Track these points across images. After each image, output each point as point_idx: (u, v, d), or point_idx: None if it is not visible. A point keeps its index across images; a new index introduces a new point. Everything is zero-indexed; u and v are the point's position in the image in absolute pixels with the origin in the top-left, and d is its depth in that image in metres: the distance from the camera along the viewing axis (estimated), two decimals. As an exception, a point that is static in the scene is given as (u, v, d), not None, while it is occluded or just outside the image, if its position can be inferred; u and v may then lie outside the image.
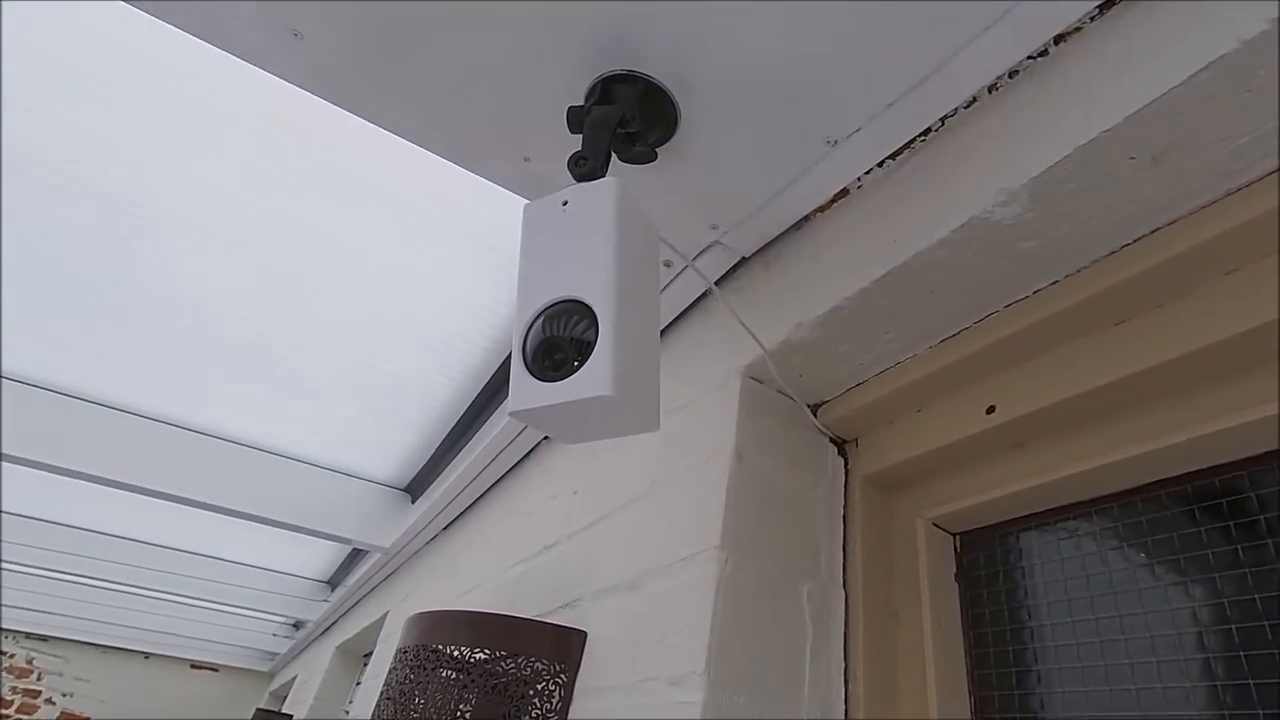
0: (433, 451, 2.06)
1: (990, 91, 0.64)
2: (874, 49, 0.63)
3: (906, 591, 0.75)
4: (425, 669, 0.96)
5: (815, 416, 0.87)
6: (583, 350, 0.52)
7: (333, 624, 3.51)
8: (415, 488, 2.34)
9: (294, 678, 4.17)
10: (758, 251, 0.91)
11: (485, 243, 1.27)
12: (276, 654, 4.86)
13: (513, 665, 0.91)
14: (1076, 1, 0.55)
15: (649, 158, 0.73)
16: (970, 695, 0.68)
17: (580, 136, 0.68)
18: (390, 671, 1.01)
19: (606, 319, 0.52)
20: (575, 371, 0.52)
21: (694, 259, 0.93)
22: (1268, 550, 0.53)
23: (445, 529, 2.10)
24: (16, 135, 1.19)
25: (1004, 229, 0.60)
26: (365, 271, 1.39)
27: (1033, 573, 0.69)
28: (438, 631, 1.00)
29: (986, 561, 0.74)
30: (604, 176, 0.61)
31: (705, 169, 0.78)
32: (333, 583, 3.64)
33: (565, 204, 0.60)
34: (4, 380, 1.97)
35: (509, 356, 1.52)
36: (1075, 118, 0.54)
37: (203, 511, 2.30)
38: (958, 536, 0.78)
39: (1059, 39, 0.58)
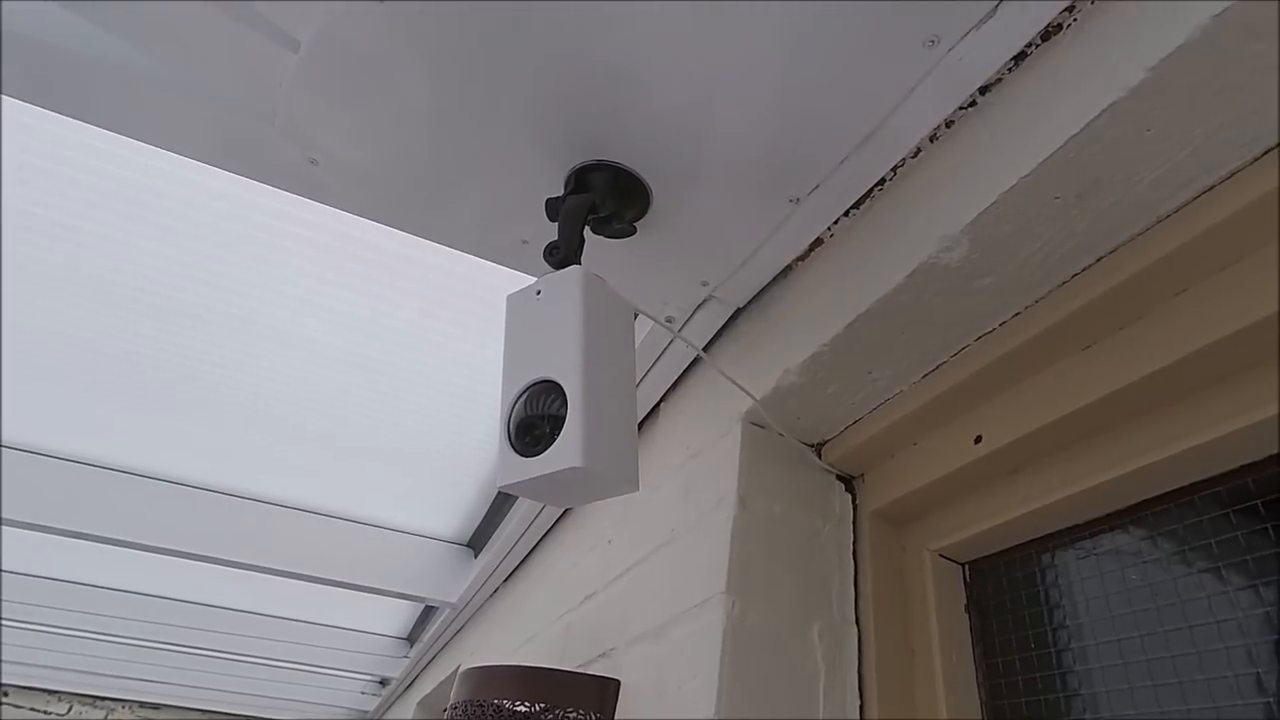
0: (489, 505, 2.15)
1: (932, 141, 0.67)
2: (820, 114, 0.67)
3: (918, 625, 0.76)
4: (476, 722, 1.01)
5: (819, 456, 0.90)
6: (555, 425, 0.58)
7: (414, 680, 3.62)
8: (476, 542, 2.43)
9: (384, 734, 4.28)
10: (752, 300, 0.95)
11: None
12: (367, 712, 5.01)
13: (555, 716, 0.95)
14: (995, 53, 0.59)
15: (628, 233, 0.80)
16: (986, 728, 0.69)
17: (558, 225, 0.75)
18: (444, 727, 1.07)
19: (575, 395, 0.58)
20: (549, 446, 0.58)
21: (688, 318, 0.98)
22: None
23: (505, 581, 2.16)
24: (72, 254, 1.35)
25: (953, 271, 0.63)
26: (418, 351, 1.50)
27: (1044, 598, 0.69)
28: (487, 687, 1.05)
29: (996, 590, 0.74)
30: (577, 263, 0.67)
31: (684, 235, 0.83)
32: (411, 639, 3.76)
33: (539, 293, 0.66)
34: (105, 470, 2.18)
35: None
36: (1000, 164, 0.57)
37: (287, 580, 2.45)
38: (966, 566, 0.78)
39: (984, 89, 0.62)
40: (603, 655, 1.04)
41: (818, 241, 0.83)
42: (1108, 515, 0.66)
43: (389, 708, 4.46)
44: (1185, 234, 0.53)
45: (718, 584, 0.77)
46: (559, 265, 0.67)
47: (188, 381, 1.68)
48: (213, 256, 1.32)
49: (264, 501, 2.39)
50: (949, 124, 0.66)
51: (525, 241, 0.91)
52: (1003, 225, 0.58)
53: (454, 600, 2.44)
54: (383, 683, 4.54)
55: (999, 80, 0.60)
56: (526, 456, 0.58)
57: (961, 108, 0.64)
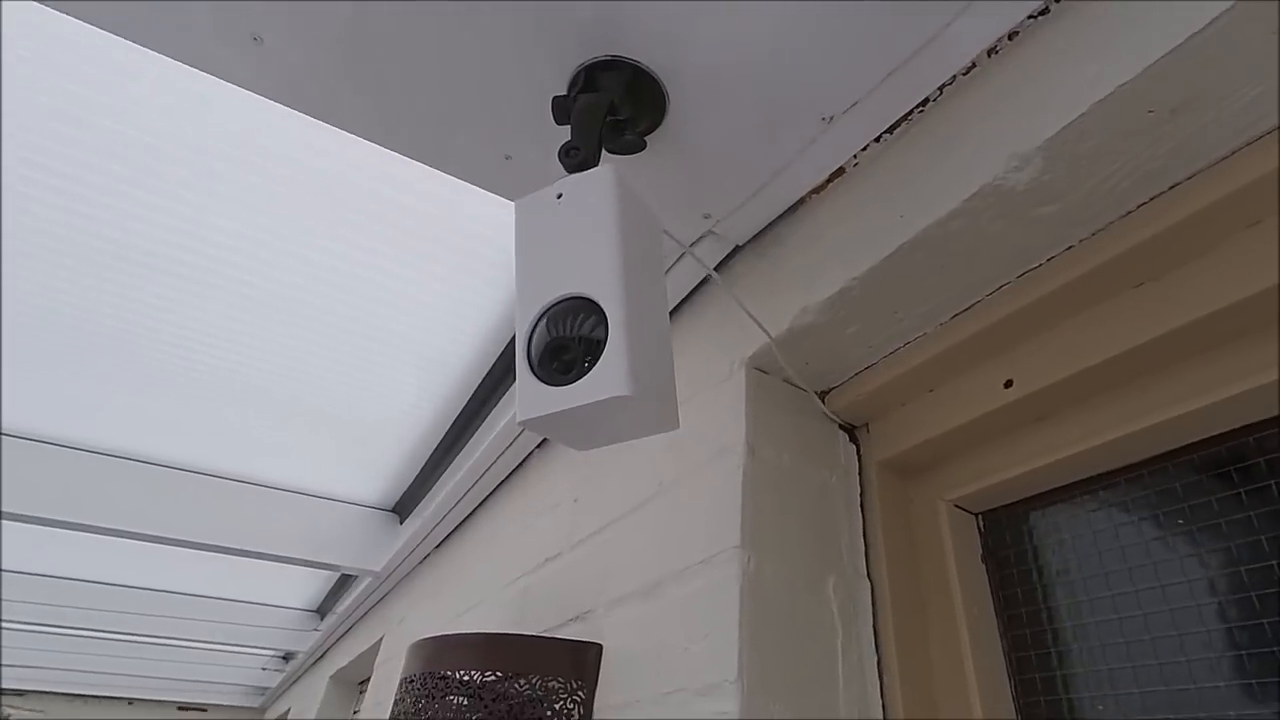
0: (419, 470, 2.01)
1: (990, 55, 0.62)
2: (869, 20, 0.60)
3: (933, 577, 0.73)
4: (433, 697, 0.91)
5: (823, 404, 0.85)
6: (592, 349, 0.49)
7: (325, 653, 3.42)
8: (403, 508, 2.28)
9: (287, 710, 4.05)
10: (751, 239, 0.88)
11: (465, 251, 1.22)
12: (267, 688, 4.74)
13: (525, 685, 0.87)
14: (1077, -45, 0.54)
15: (638, 147, 0.70)
16: (1011, 679, 0.66)
17: (566, 128, 0.65)
18: (396, 703, 0.96)
19: (616, 314, 0.49)
20: (587, 372, 0.48)
21: (679, 256, 0.90)
22: (1313, 508, 0.52)
23: (437, 548, 2.04)
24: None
25: (1018, 194, 0.58)
26: (339, 292, 1.33)
27: (1063, 548, 0.67)
28: (444, 656, 0.96)
29: (1013, 540, 0.72)
30: (596, 166, 0.57)
31: (696, 156, 0.75)
32: (322, 611, 3.55)
33: (560, 197, 0.56)
34: (-40, 427, 1.87)
35: (494, 368, 1.48)
36: (1088, 74, 0.52)
37: (180, 550, 2.21)
38: (980, 516, 0.75)
39: None
40: (576, 619, 0.96)
41: (839, 171, 0.76)
42: (1135, 464, 0.64)
43: (293, 683, 4.22)
44: (1272, 160, 0.50)
45: (729, 538, 0.71)
46: (576, 168, 0.57)
47: (74, 318, 1.44)
48: (117, 192, 1.11)
49: (158, 464, 2.13)
50: (1012, 35, 0.60)
51: (508, 157, 0.80)
52: (1085, 142, 0.53)
53: (377, 569, 2.29)
54: (286, 657, 4.29)
55: (1082, -16, 0.55)
56: (555, 385, 0.49)
57: (1031, 16, 0.58)
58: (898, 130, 0.70)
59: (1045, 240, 0.62)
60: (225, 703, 5.02)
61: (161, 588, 3.31)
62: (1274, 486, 0.56)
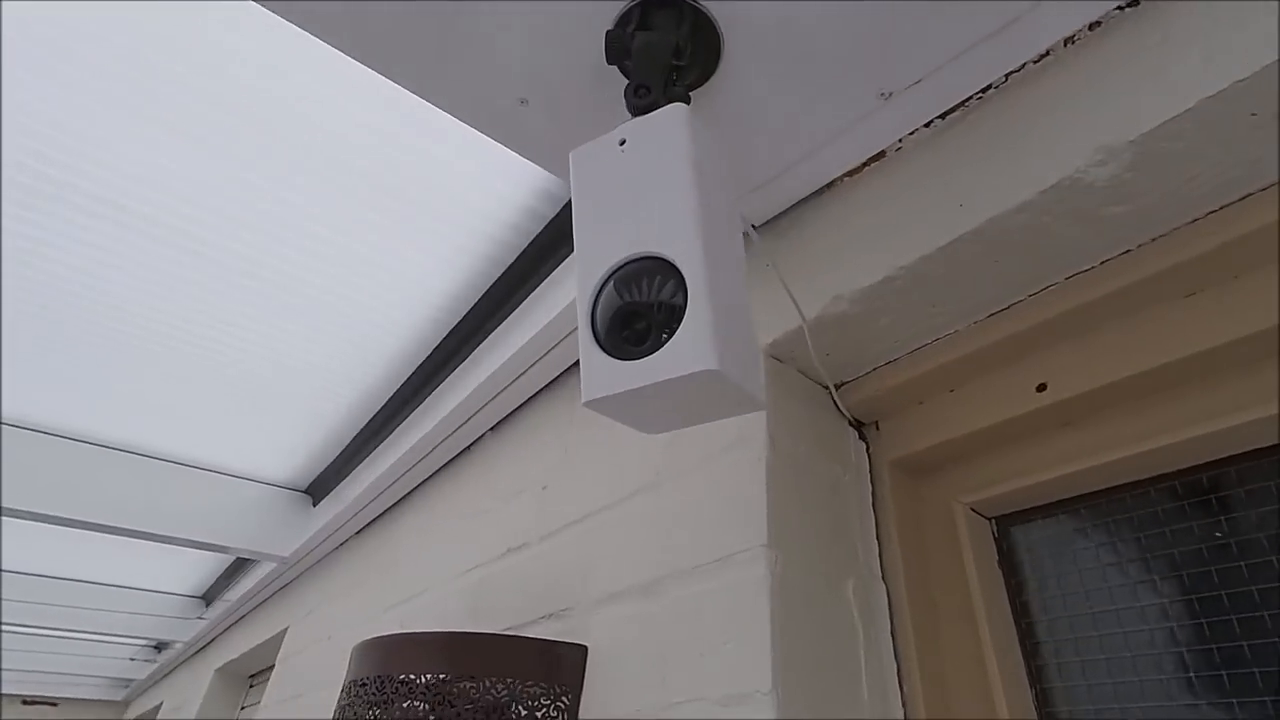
0: (342, 449, 1.85)
1: (1067, 45, 0.59)
2: None
3: (950, 582, 0.71)
4: (388, 703, 0.81)
5: (836, 398, 0.81)
6: (671, 317, 0.42)
7: (209, 644, 3.13)
8: (318, 489, 2.10)
9: (158, 705, 3.70)
10: (769, 221, 0.83)
11: (414, 202, 1.11)
12: (133, 680, 4.31)
13: (499, 690, 0.78)
14: (1177, -53, 0.52)
15: (682, 100, 0.63)
16: (1032, 687, 0.65)
17: (610, 72, 0.58)
18: (341, 709, 0.86)
19: (696, 276, 0.42)
20: (664, 344, 0.42)
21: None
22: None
23: (358, 534, 1.89)
24: None
25: (1095, 192, 0.56)
26: (254, 236, 1.18)
27: (1081, 556, 0.67)
28: (399, 657, 0.86)
29: (1027, 546, 0.71)
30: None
31: (736, 120, 0.69)
32: (208, 598, 3.25)
33: (623, 144, 0.49)
34: None
35: (446, 340, 1.37)
36: (1193, 68, 0.50)
37: (53, 528, 1.94)
38: (993, 521, 0.74)
39: None
40: (550, 617, 0.89)
41: (879, 155, 0.73)
42: (1159, 476, 0.64)
43: (167, 674, 3.86)
44: (1355, 175, 0.50)
45: (753, 536, 0.66)
46: (645, 110, 0.50)
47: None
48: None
49: (18, 427, 1.85)
50: (1094, 26, 0.58)
51: (524, 101, 0.71)
52: (1178, 141, 0.51)
53: (285, 554, 2.09)
54: (159, 647, 3.91)
55: (1182, -23, 0.53)
56: (626, 359, 0.42)
57: (1120, 8, 0.56)
58: (952, 116, 0.67)
59: (1104, 241, 0.60)
60: (81, 696, 4.54)
61: (10, 568, 2.92)
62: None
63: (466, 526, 1.26)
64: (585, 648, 0.80)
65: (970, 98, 0.65)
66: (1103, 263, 0.62)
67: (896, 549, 0.73)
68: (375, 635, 0.91)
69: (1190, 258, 0.58)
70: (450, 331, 1.33)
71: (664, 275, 0.43)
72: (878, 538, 0.74)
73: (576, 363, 1.15)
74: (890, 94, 0.65)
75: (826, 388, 0.81)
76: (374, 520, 1.79)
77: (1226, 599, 0.57)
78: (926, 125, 0.69)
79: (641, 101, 0.50)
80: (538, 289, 1.18)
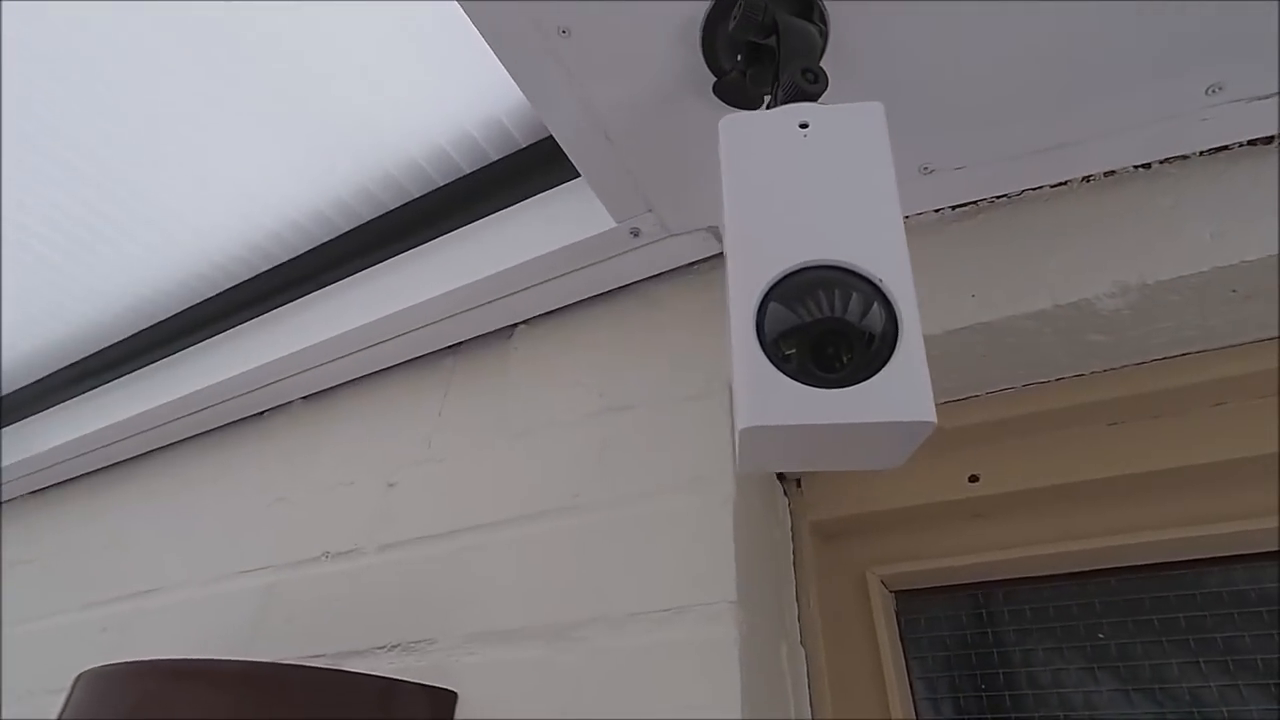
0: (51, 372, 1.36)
1: (1084, 181, 0.66)
2: (1032, 90, 0.58)
3: (863, 652, 0.71)
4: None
5: (770, 449, 0.79)
6: (881, 345, 0.35)
7: None
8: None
9: None
10: (750, 252, 0.79)
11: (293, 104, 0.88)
12: None
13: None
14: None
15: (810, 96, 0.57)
16: (929, 766, 0.67)
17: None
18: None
19: (908, 302, 0.36)
20: (866, 379, 0.35)
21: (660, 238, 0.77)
22: (1215, 645, 0.63)
23: (54, 489, 1.39)
24: None
25: (1096, 318, 0.62)
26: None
27: (977, 640, 0.72)
28: (165, 695, 0.61)
29: (927, 624, 0.75)
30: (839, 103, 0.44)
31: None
32: None
33: (805, 127, 0.41)
34: None
35: (287, 266, 1.08)
36: (1204, 239, 0.58)
37: None
38: (899, 595, 0.77)
39: (1176, 158, 0.62)
40: (393, 649, 0.72)
41: (881, 223, 0.73)
42: (1054, 575, 0.72)
43: None
44: (1261, 364, 0.62)
45: (720, 588, 0.59)
46: (813, 97, 0.43)
47: None
48: None
49: None
50: (1109, 174, 0.65)
51: (565, 31, 0.58)
52: (1173, 295, 0.59)
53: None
54: None
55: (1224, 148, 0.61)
56: (817, 387, 0.34)
57: (1138, 167, 0.63)
58: (965, 209, 0.70)
59: (1071, 361, 0.67)
60: None
61: None
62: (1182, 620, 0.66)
63: (251, 512, 0.98)
64: (454, 694, 0.65)
65: (1002, 196, 0.69)
66: (1057, 379, 0.69)
67: (816, 615, 0.72)
68: (97, 656, 0.64)
69: (1128, 394, 0.66)
70: (290, 261, 1.06)
71: (858, 293, 0.36)
72: (798, 601, 0.73)
73: (459, 344, 0.98)
74: (932, 170, 0.66)
75: (767, 436, 0.78)
76: (85, 476, 1.33)
77: (1104, 697, 0.65)
78: (936, 211, 0.71)
79: (816, 88, 0.43)
80: (424, 246, 1.00)
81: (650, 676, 0.57)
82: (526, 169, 0.92)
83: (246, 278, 1.13)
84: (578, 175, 0.87)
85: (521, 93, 0.75)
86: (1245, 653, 0.61)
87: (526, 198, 0.92)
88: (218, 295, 1.15)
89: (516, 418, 0.84)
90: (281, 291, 1.12)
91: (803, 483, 0.81)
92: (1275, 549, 0.62)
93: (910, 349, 0.35)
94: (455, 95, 0.87)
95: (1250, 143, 0.60)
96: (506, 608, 0.68)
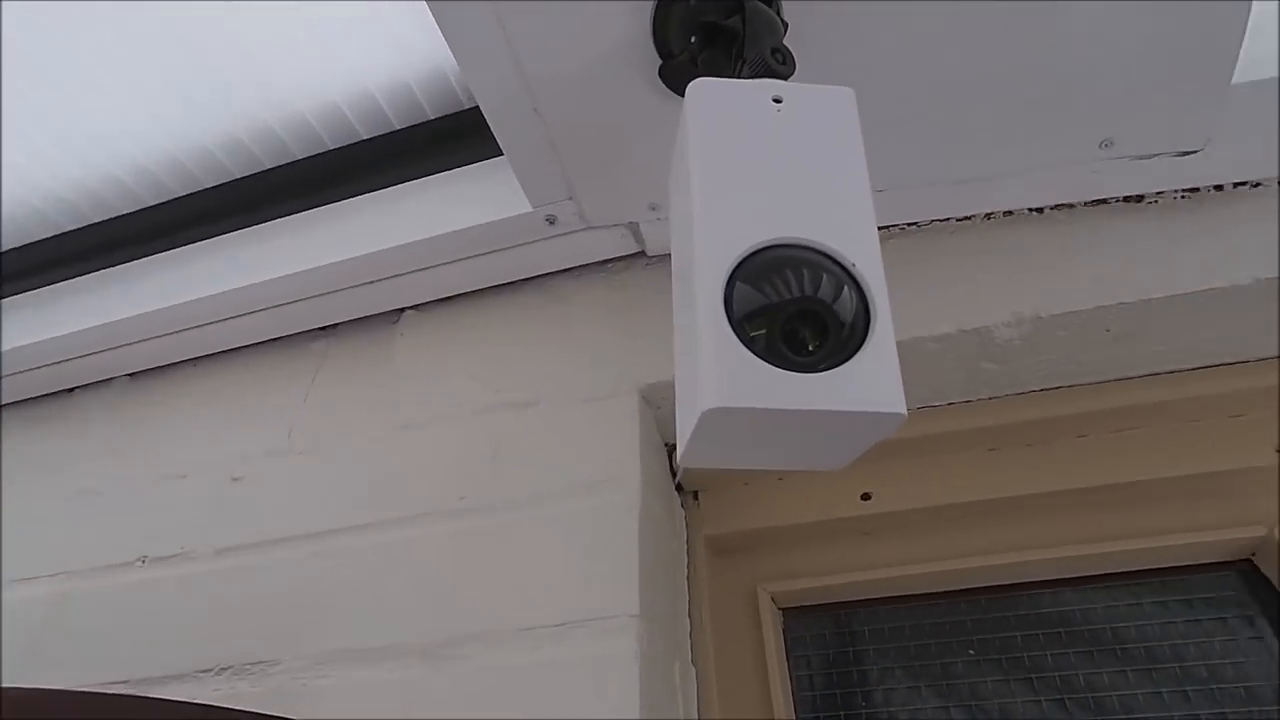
0: None
1: (1005, 215, 0.70)
2: (946, 128, 0.61)
3: (751, 671, 0.69)
4: None
5: (670, 460, 0.76)
6: (850, 335, 0.33)
7: None
8: None
9: None
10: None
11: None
12: None
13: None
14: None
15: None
16: (814, 788, 0.66)
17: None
18: None
19: (879, 289, 0.34)
20: (837, 366, 0.32)
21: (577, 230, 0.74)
22: (1067, 659, 0.67)
23: None
24: None
25: (992, 346, 0.65)
26: None
27: (863, 658, 0.72)
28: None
29: (813, 642, 0.74)
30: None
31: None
32: None
33: (779, 102, 0.39)
34: None
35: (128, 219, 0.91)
36: (1088, 282, 0.63)
37: None
38: (786, 612, 0.76)
39: (1098, 202, 0.67)
40: (224, 672, 0.60)
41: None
42: (937, 594, 0.74)
43: None
44: (1131, 397, 0.68)
45: (622, 600, 0.55)
46: (784, 77, 0.42)
47: None
48: None
49: None
50: (1008, 214, 0.69)
51: None
52: (1061, 330, 0.63)
53: None
54: None
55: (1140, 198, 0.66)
56: (788, 370, 0.31)
57: (1184, 194, 0.67)
58: (882, 232, 0.72)
59: (962, 388, 0.70)
60: None
61: None
62: (1040, 636, 0.71)
63: (45, 506, 0.81)
64: (300, 725, 0.55)
65: (907, 225, 0.71)
66: (949, 404, 0.72)
67: (707, 632, 0.69)
68: None
69: (1007, 422, 0.71)
70: (129, 215, 0.90)
71: (830, 276, 0.34)
72: (690, 616, 0.70)
73: (334, 326, 0.88)
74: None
75: (668, 445, 0.75)
76: None
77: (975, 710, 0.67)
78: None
79: (786, 68, 0.41)
80: (303, 214, 0.89)
81: (539, 697, 0.52)
82: (433, 143, 0.85)
83: (70, 228, 0.95)
84: (489, 157, 0.82)
85: (446, 56, 0.69)
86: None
87: (431, 174, 0.85)
88: (28, 246, 0.96)
89: (398, 410, 0.75)
90: (110, 250, 0.95)
91: (700, 495, 0.79)
92: (1125, 570, 0.68)
93: (882, 338, 0.33)
94: (361, 51, 0.78)
95: (1126, 199, 0.66)
96: (371, 622, 0.59)
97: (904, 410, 0.32)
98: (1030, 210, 0.69)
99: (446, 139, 0.85)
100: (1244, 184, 0.64)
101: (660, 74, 0.56)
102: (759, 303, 0.33)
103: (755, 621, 0.72)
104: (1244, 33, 0.52)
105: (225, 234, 0.91)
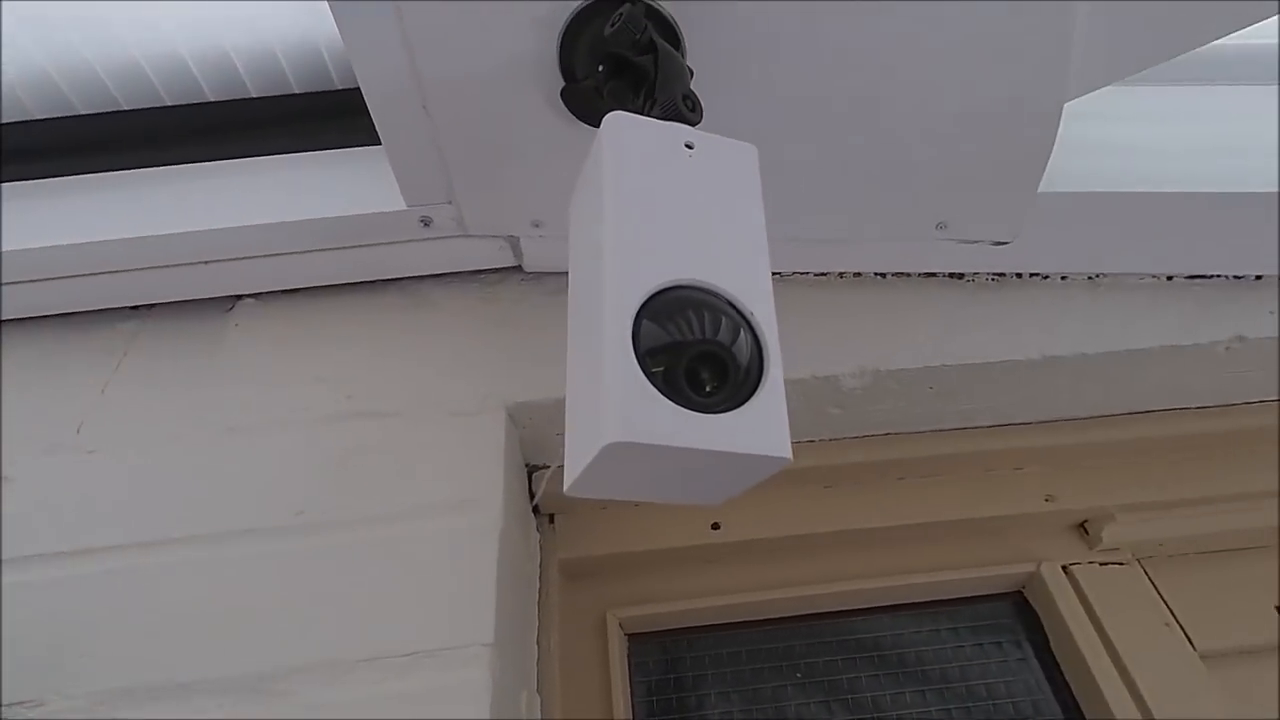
0: None
1: (855, 275, 0.77)
2: (812, 190, 0.67)
3: (598, 701, 0.69)
4: None
5: (530, 481, 0.75)
6: (745, 379, 0.35)
7: None
8: None
9: None
10: (548, 274, 0.76)
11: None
12: None
13: None
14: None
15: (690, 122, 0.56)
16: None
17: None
18: None
19: (772, 339, 0.37)
20: (734, 408, 0.34)
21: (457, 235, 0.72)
22: (878, 681, 0.74)
23: None
24: None
25: (838, 393, 0.71)
26: None
27: (701, 682, 0.75)
28: None
29: (656, 667, 0.75)
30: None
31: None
32: None
33: (691, 148, 0.41)
34: None
35: None
36: (917, 341, 0.71)
37: None
38: (632, 638, 0.77)
39: (929, 274, 0.76)
40: (-37, 717, 0.49)
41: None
42: (773, 620, 0.79)
43: None
44: (940, 448, 0.78)
45: (476, 628, 0.53)
46: (692, 124, 0.43)
47: None
48: None
49: None
50: (881, 275, 0.77)
51: None
52: (892, 383, 0.71)
53: None
54: None
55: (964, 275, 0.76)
56: (689, 409, 0.32)
57: (994, 277, 0.75)
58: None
59: (809, 429, 0.76)
60: None
61: None
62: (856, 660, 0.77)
63: None
64: (68, 779, 0.47)
65: (775, 274, 0.76)
66: (796, 442, 0.78)
67: (555, 658, 0.68)
68: None
69: (844, 463, 0.78)
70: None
71: (729, 320, 0.36)
72: (539, 643, 0.68)
73: (148, 306, 0.76)
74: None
75: (530, 466, 0.74)
76: None
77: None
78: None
79: (695, 116, 0.43)
80: (116, 175, 0.77)
81: (378, 735, 0.48)
82: (293, 119, 0.78)
83: None
84: (357, 145, 0.77)
85: (323, 29, 0.64)
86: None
87: (286, 152, 0.78)
88: None
89: (223, 410, 0.67)
90: None
91: (555, 518, 0.78)
92: (926, 600, 0.77)
93: (774, 384, 0.35)
94: (224, 4, 0.70)
95: (950, 275, 0.76)
96: (172, 653, 0.52)
97: (790, 455, 0.34)
98: (875, 274, 0.77)
99: (308, 118, 0.79)
100: (1037, 275, 0.77)
101: (562, 95, 0.56)
102: (664, 340, 0.34)
103: (603, 647, 0.72)
104: (1049, 153, 0.62)
105: (15, 181, 0.76)
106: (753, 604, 0.76)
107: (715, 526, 0.77)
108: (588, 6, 0.52)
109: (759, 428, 0.34)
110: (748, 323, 0.36)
